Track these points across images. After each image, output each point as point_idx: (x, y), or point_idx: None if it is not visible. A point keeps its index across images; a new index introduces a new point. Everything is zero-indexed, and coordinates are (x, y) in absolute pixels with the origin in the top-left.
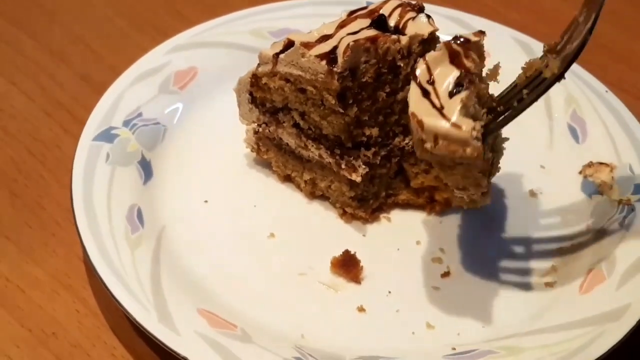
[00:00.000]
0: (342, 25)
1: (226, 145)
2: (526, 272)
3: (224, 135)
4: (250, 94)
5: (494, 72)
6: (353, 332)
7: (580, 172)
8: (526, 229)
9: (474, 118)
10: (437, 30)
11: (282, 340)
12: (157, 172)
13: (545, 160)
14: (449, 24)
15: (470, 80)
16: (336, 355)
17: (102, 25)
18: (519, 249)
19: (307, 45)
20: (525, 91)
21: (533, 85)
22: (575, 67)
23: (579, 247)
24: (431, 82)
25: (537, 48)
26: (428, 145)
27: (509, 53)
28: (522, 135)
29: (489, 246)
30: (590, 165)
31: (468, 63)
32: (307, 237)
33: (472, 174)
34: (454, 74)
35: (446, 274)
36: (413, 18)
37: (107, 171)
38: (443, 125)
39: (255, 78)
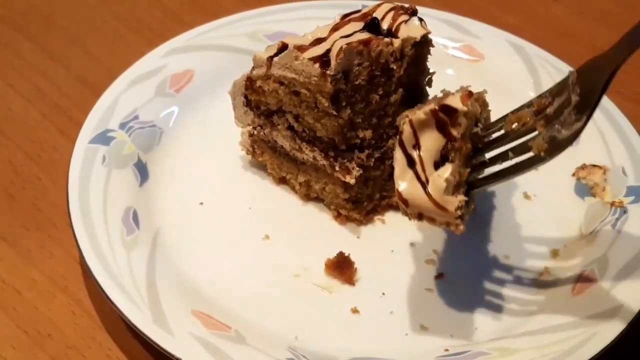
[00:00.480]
0: (335, 28)
1: (222, 147)
2: (519, 273)
3: (220, 137)
4: (245, 96)
5: (480, 98)
6: (347, 334)
7: (573, 175)
8: (519, 231)
9: (457, 186)
10: (429, 32)
11: (276, 341)
12: (153, 175)
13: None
14: (444, 27)
15: (457, 148)
16: (330, 356)
17: (99, 28)
18: (512, 251)
19: (301, 48)
20: (511, 154)
21: (519, 149)
22: (569, 69)
23: (572, 248)
24: (417, 147)
25: (532, 51)
26: (413, 219)
27: (503, 56)
28: None
29: (482, 248)
30: (583, 167)
31: (454, 131)
32: (302, 239)
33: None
34: (440, 142)
35: (440, 276)
36: (406, 21)
37: (103, 173)
38: (427, 206)
39: (249, 81)
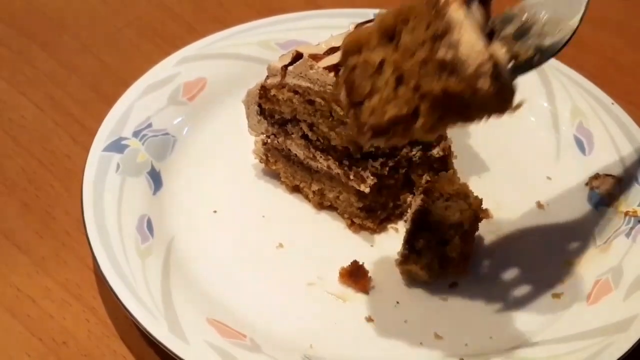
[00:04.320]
0: None
1: (235, 156)
2: (533, 283)
3: (233, 146)
4: (259, 105)
5: None
6: (361, 342)
7: (586, 184)
8: (533, 240)
9: None
10: None
11: (290, 349)
12: (167, 183)
13: (551, 172)
14: None
15: None
16: None
17: (111, 36)
18: (525, 260)
19: (316, 57)
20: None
21: None
22: (581, 79)
23: (586, 258)
24: None
25: None
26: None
27: None
28: (528, 147)
29: (496, 257)
30: (596, 176)
31: None
32: (316, 248)
33: None
34: None
35: (454, 285)
36: None
37: (117, 181)
38: None
39: (263, 90)
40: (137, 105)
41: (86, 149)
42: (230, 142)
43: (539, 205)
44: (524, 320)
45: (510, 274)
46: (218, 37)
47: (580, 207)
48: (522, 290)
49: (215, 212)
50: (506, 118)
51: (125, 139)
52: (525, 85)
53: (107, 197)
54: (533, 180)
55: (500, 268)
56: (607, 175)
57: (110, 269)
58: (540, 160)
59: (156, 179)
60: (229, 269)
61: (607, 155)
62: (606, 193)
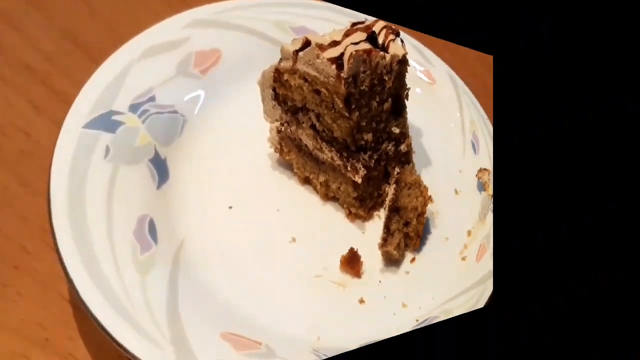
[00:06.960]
0: (347, 34)
1: (250, 143)
2: (452, 252)
3: (249, 131)
4: (274, 89)
5: None
6: (356, 324)
7: (476, 175)
8: (451, 219)
9: None
10: (407, 53)
11: (301, 347)
12: (174, 173)
13: (462, 166)
14: (412, 51)
15: None
16: (344, 348)
17: None
18: (448, 234)
19: (322, 48)
20: None
21: None
22: (473, 98)
23: (476, 228)
24: None
25: (459, 82)
26: None
27: (444, 83)
28: (447, 147)
29: (439, 235)
30: (480, 170)
31: None
32: (322, 239)
33: None
34: None
35: (413, 260)
36: (393, 40)
37: (107, 171)
38: None
39: (278, 73)
40: (135, 69)
41: (57, 124)
42: (246, 126)
43: (456, 192)
44: (450, 280)
45: (441, 246)
46: (233, 4)
47: (474, 192)
48: (446, 258)
49: (230, 207)
50: (438, 124)
51: (119, 113)
52: (448, 100)
53: (91, 192)
54: (450, 172)
55: (438, 243)
56: (484, 169)
57: (94, 294)
58: (455, 157)
59: (161, 168)
60: (245, 273)
61: (486, 155)
62: (484, 181)
